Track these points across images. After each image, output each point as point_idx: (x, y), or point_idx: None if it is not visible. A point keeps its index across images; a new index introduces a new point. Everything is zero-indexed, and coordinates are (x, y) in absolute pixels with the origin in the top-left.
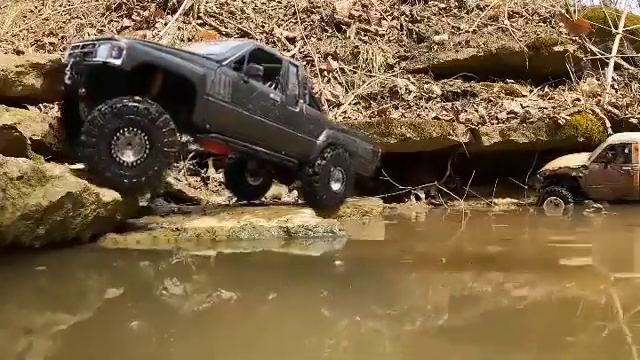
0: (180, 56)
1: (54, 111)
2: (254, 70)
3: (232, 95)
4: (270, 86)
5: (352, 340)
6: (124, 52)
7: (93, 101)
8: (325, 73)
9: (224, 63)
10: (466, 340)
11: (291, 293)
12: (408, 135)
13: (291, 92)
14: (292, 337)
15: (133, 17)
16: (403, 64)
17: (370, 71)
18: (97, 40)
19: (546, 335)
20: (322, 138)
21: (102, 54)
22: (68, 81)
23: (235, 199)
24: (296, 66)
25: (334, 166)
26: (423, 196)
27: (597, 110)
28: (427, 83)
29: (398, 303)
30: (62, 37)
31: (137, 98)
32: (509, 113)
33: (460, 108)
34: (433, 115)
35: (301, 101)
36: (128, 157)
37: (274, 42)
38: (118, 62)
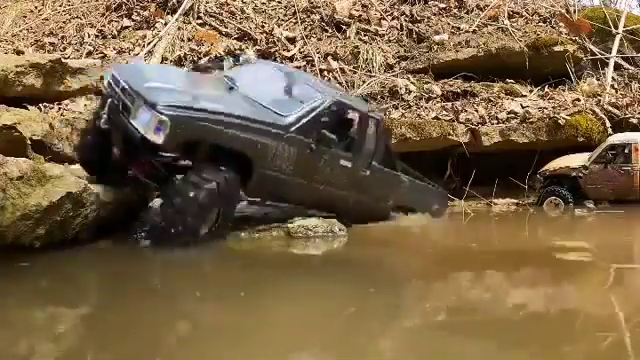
0: (234, 126)
1: (54, 111)
2: (325, 140)
3: (295, 167)
4: (342, 142)
5: None
6: (167, 129)
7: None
8: (325, 73)
9: (292, 130)
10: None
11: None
12: (408, 135)
13: (365, 153)
14: None
15: (133, 17)
16: (403, 64)
17: (370, 71)
18: (135, 89)
19: None
20: (390, 203)
21: (141, 122)
22: (104, 125)
23: None
24: (377, 120)
25: None
26: None
27: (597, 110)
28: (427, 83)
29: None
30: (62, 37)
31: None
32: (509, 113)
33: (460, 108)
34: (433, 115)
35: (374, 163)
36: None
37: (274, 42)
38: (158, 140)
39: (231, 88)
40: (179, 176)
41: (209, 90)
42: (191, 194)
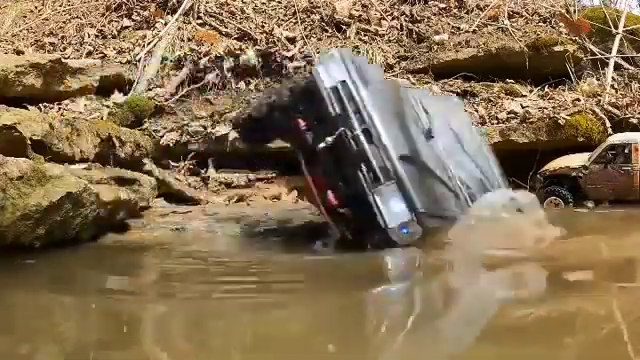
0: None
1: (54, 111)
2: None
3: None
4: None
5: None
6: (416, 233)
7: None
8: None
9: None
10: None
11: None
12: None
13: None
14: None
15: (133, 17)
16: (403, 64)
17: None
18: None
19: None
20: None
21: (389, 219)
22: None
23: (235, 199)
24: None
25: None
26: None
27: (597, 110)
28: (427, 83)
29: None
30: (62, 37)
31: None
32: (509, 113)
33: None
34: None
35: None
36: None
37: (274, 42)
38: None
39: (429, 134)
40: None
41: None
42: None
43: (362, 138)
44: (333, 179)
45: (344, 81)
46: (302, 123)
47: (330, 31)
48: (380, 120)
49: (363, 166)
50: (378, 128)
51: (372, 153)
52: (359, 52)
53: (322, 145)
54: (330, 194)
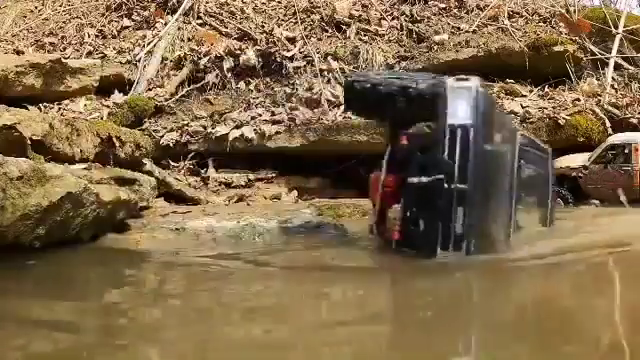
0: None
1: (54, 111)
2: None
3: None
4: None
5: None
6: None
7: None
8: (325, 73)
9: None
10: None
11: None
12: None
13: None
14: None
15: (133, 17)
16: (403, 64)
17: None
18: None
19: None
20: None
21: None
22: None
23: (235, 199)
24: None
25: None
26: None
27: (597, 110)
28: None
29: None
30: (62, 37)
31: None
32: (509, 113)
33: None
34: None
35: None
36: None
37: (274, 42)
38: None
39: (511, 189)
40: None
41: None
42: None
43: (456, 195)
44: (408, 218)
45: (465, 126)
46: (404, 142)
47: (330, 31)
48: (483, 183)
49: (441, 226)
50: (477, 193)
51: (458, 217)
52: (359, 52)
53: (414, 180)
54: (398, 228)
